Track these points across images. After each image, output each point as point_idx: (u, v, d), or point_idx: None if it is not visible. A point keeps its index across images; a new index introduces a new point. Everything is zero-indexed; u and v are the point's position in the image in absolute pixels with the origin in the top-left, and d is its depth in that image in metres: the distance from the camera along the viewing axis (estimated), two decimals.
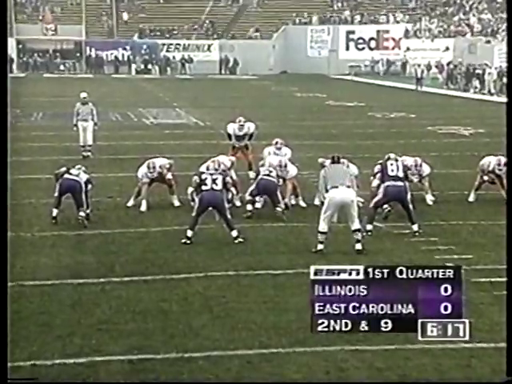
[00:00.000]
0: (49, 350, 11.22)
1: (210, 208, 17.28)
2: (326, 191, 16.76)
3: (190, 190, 18.52)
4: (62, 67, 77.64)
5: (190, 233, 16.86)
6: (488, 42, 67.04)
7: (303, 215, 19.19)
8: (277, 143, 22.63)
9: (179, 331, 12.01)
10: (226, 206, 17.37)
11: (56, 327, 12.14)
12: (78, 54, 79.39)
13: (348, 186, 16.72)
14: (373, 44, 79.31)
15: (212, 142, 27.24)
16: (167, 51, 79.82)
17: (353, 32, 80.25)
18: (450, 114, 42.57)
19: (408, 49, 75.72)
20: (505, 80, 56.65)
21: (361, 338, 11.63)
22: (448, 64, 66.12)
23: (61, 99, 34.68)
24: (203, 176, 17.41)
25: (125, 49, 79.72)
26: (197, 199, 17.34)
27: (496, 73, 57.96)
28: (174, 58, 79.32)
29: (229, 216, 17.06)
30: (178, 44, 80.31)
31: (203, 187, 17.17)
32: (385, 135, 33.61)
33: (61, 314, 12.74)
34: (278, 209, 19.27)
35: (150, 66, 78.09)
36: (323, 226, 16.45)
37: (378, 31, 79.43)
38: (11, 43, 76.61)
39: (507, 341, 8.72)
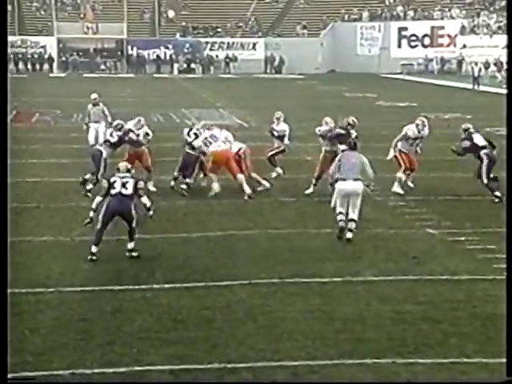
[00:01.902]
0: (88, 358, 11.28)
1: (117, 217, 16.36)
2: (336, 180, 18.16)
3: (99, 199, 16.69)
4: (102, 67, 78.19)
5: (94, 249, 16.05)
6: None
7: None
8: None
9: (222, 340, 12.02)
10: (134, 214, 16.34)
11: (96, 335, 12.20)
12: (119, 53, 79.96)
13: (356, 179, 18.08)
14: (427, 41, 79.13)
15: (256, 144, 27.19)
16: (210, 50, 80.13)
17: (405, 28, 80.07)
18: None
19: (464, 46, 75.37)
20: None
21: (412, 350, 11.66)
22: (507, 62, 65.82)
23: (102, 99, 34.72)
24: (112, 179, 16.44)
25: (167, 47, 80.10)
26: (103, 206, 16.29)
27: None
28: (217, 56, 79.62)
29: (134, 225, 16.21)
30: (222, 42, 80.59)
31: (112, 191, 16.21)
32: (438, 137, 33.49)
33: (101, 322, 12.81)
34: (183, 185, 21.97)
35: (192, 65, 78.42)
36: (339, 210, 17.97)
37: (433, 27, 79.14)
38: (52, 42, 77.40)
39: (507, 341, 8.77)
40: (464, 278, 15.13)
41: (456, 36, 77.08)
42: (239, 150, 23.37)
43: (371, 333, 12.39)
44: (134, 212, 16.24)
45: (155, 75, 74.84)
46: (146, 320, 12.89)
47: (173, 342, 11.97)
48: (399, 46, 79.84)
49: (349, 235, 17.88)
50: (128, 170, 16.80)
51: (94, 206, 16.37)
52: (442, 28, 78.57)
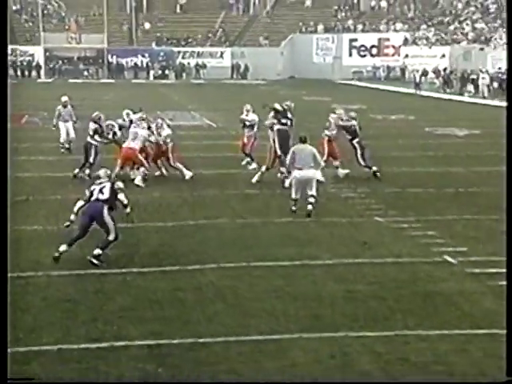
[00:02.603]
0: (73, 335, 11.24)
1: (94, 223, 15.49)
2: (293, 168, 19.11)
3: (81, 203, 15.82)
4: (85, 73, 77.81)
5: (63, 247, 15.11)
6: (482, 49, 66.95)
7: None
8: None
9: (194, 318, 12.01)
10: (108, 219, 15.47)
11: (80, 314, 12.17)
12: (101, 61, 79.58)
13: (311, 166, 18.98)
14: (374, 51, 79.34)
15: (224, 142, 27.22)
16: (183, 58, 79.94)
17: (355, 40, 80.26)
18: (446, 117, 42.57)
19: (407, 56, 75.70)
20: (495, 85, 56.76)
21: (362, 324, 11.70)
22: (444, 70, 66.20)
23: (85, 102, 34.68)
24: (92, 187, 15.77)
25: (143, 56, 79.88)
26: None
27: (489, 78, 57.96)
28: (188, 64, 79.45)
29: (110, 238, 15.26)
30: (193, 51, 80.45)
31: (91, 198, 15.53)
32: (385, 136, 33.62)
33: (85, 302, 12.77)
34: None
35: (166, 72, 78.21)
36: (294, 197, 18.90)
37: (379, 39, 79.43)
38: (39, 51, 77.10)
39: (507, 341, 8.28)
40: (407, 261, 15.20)
41: (400, 47, 77.38)
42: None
43: (327, 310, 12.42)
44: (107, 218, 15.43)
45: (133, 81, 74.56)
46: (126, 300, 12.85)
47: (149, 319, 11.95)
48: (350, 55, 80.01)
49: (309, 207, 18.69)
50: (108, 176, 16.31)
51: (75, 209, 15.75)
52: (388, 40, 78.86)
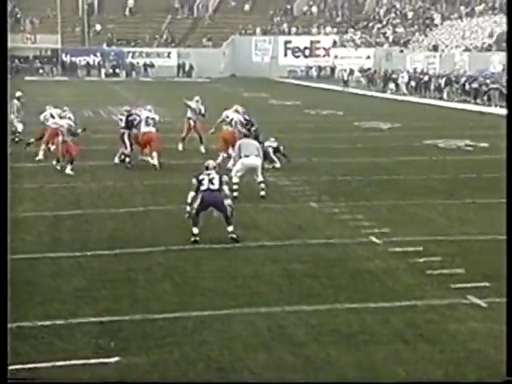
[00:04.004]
0: (32, 313, 11.13)
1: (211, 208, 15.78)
2: (240, 157, 19.71)
3: (192, 194, 16.06)
4: (40, 71, 76.96)
5: (195, 230, 15.53)
6: (401, 51, 67.67)
7: (249, 197, 19.21)
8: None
9: (144, 296, 11.96)
10: (226, 203, 15.78)
11: (38, 294, 12.05)
12: (55, 60, 78.81)
13: (256, 155, 19.70)
14: (307, 52, 79.62)
15: (170, 136, 27.13)
16: (132, 58, 79.48)
17: (290, 42, 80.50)
18: (371, 111, 42.86)
19: (336, 56, 76.13)
20: (413, 83, 57.28)
21: (298, 299, 11.75)
22: (369, 69, 66.67)
23: (43, 99, 34.29)
24: (200, 177, 15.74)
25: (95, 55, 79.28)
26: (198, 199, 15.58)
27: (407, 77, 58.57)
28: (137, 63, 79.01)
29: (228, 213, 15.59)
30: (142, 51, 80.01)
31: (201, 187, 15.58)
32: (318, 129, 33.76)
33: (43, 283, 12.63)
34: None
35: (117, 71, 77.74)
36: (236, 180, 19.34)
37: (311, 41, 79.73)
38: None
39: (507, 341, 7.94)
40: (338, 242, 15.30)
41: (329, 49, 77.77)
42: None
43: (265, 287, 12.46)
44: (226, 203, 15.63)
45: (86, 78, 74.02)
46: (80, 281, 12.73)
47: (103, 298, 11.86)
48: (285, 55, 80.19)
49: (262, 193, 19.49)
50: (214, 167, 16.17)
51: (189, 200, 15.71)
52: (319, 42, 79.18)
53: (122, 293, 12.23)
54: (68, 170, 22.34)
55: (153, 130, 24.21)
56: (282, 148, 24.01)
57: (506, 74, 35.34)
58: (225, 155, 23.12)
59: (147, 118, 24.29)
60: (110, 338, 10.37)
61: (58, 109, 25.93)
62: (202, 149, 26.42)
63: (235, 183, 19.28)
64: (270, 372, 9.44)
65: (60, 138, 22.91)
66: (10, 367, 9.50)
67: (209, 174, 15.56)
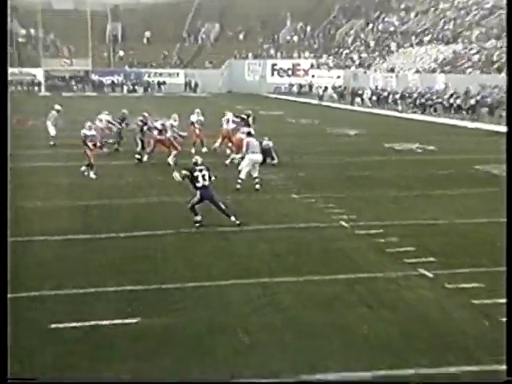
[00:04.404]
0: (66, 283, 11.22)
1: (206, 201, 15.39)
2: (247, 154, 19.64)
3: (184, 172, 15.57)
4: (75, 88, 76.41)
5: (197, 218, 15.23)
6: (365, 72, 67.46)
7: (242, 190, 19.20)
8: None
9: (159, 270, 12.07)
10: (216, 197, 15.47)
11: (71, 268, 12.14)
12: (86, 79, 78.46)
13: (258, 152, 19.88)
14: (289, 73, 79.37)
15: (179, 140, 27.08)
16: (148, 77, 79.06)
17: (276, 64, 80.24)
18: (341, 121, 42.83)
19: (313, 76, 75.89)
20: (374, 98, 57.41)
21: (281, 272, 11.76)
22: (339, 87, 66.60)
23: (78, 109, 34.11)
24: (195, 173, 15.16)
25: (119, 75, 78.90)
26: (196, 195, 15.07)
27: (370, 93, 58.85)
28: (152, 81, 78.54)
29: (223, 206, 15.33)
30: (156, 72, 79.64)
31: (197, 184, 15.13)
32: (297, 135, 33.73)
33: (74, 260, 12.70)
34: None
35: (136, 87, 77.22)
36: (243, 176, 19.35)
37: (293, 64, 79.51)
38: (40, 72, 75.96)
39: (507, 341, 7.35)
40: (315, 226, 15.31)
41: (308, 70, 77.58)
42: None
43: (256, 263, 12.49)
44: (216, 197, 15.36)
45: (111, 94, 73.52)
46: (107, 258, 12.87)
47: (125, 272, 11.99)
48: (272, 75, 79.88)
49: (257, 187, 19.38)
50: (202, 163, 15.50)
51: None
52: (299, 65, 78.91)
53: (142, 267, 12.24)
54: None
55: (168, 135, 24.18)
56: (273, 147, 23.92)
57: (506, 84, 35.06)
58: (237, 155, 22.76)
59: (162, 125, 24.31)
60: (131, 304, 10.45)
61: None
62: (204, 149, 26.35)
63: (241, 179, 19.35)
64: (262, 331, 9.48)
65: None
66: (53, 325, 9.56)
67: (201, 170, 15.20)
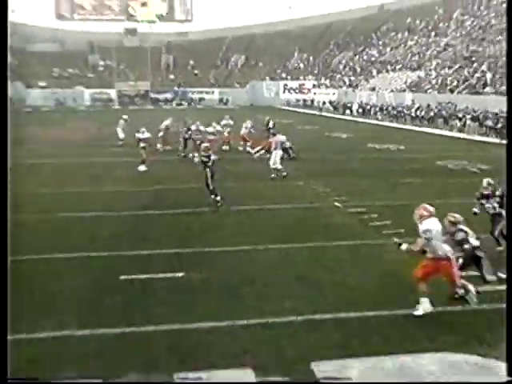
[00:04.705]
0: (124, 247, 11.20)
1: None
2: (275, 150, 19.25)
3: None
4: (138, 103, 76.48)
5: (216, 197, 14.82)
6: (353, 91, 67.16)
7: (259, 178, 19.13)
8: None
9: (194, 238, 12.01)
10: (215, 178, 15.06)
11: (129, 235, 12.09)
12: (146, 96, 78.62)
13: (281, 149, 19.53)
14: (297, 91, 79.06)
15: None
16: (191, 94, 79.12)
17: (286, 84, 79.88)
18: (336, 126, 42.57)
19: (314, 93, 75.48)
20: (360, 110, 57.09)
21: (291, 240, 11.73)
22: (334, 101, 66.28)
23: (140, 118, 34.09)
24: (210, 161, 14.90)
25: (170, 93, 79.01)
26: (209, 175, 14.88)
27: (357, 106, 58.53)
28: (195, 97, 78.67)
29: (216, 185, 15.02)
30: (198, 90, 79.67)
31: (207, 167, 14.93)
32: (303, 138, 33.59)
33: (130, 232, 12.65)
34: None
35: (183, 102, 77.23)
36: (280, 167, 19.15)
37: (300, 84, 79.13)
38: (114, 92, 76.38)
39: (507, 341, 6.02)
40: (315, 206, 15.30)
41: (310, 89, 77.24)
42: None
43: (269, 233, 12.46)
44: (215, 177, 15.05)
45: (164, 107, 73.66)
46: (155, 230, 12.69)
47: (171, 239, 11.90)
48: (284, 92, 79.49)
49: (285, 173, 19.24)
50: (213, 154, 15.41)
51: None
52: (304, 85, 78.50)
53: (183, 235, 12.28)
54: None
55: (212, 137, 24.27)
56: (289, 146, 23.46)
57: (506, 86, 32.14)
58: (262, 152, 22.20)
59: (197, 129, 24.82)
60: (178, 262, 10.49)
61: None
62: (227, 147, 26.68)
63: (279, 169, 19.18)
64: (278, 283, 9.49)
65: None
66: (122, 277, 9.65)
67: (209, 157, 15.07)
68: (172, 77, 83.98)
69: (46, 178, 19.92)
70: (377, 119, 50.98)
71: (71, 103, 72.76)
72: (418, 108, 47.30)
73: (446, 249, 7.99)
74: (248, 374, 6.48)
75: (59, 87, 74.69)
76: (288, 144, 23.30)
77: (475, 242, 8.56)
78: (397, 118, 48.80)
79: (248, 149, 25.51)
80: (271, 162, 19.29)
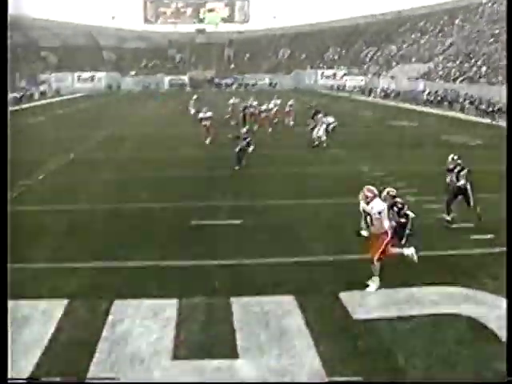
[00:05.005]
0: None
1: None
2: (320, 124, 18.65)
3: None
4: (205, 87, 75.13)
5: (237, 166, 14.11)
6: (377, 78, 65.18)
7: (303, 147, 18.82)
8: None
9: (244, 193, 11.94)
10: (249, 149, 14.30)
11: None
12: (212, 82, 78.11)
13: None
14: (332, 77, 77.11)
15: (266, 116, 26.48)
16: (246, 80, 77.99)
17: (323, 72, 77.96)
18: (362, 107, 41.46)
19: (346, 80, 73.31)
20: (382, 94, 55.49)
21: (324, 196, 11.54)
22: (362, 86, 64.50)
23: (207, 99, 33.92)
24: (245, 141, 14.18)
25: (230, 79, 78.34)
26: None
27: (380, 91, 56.59)
28: (250, 83, 77.58)
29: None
30: (252, 77, 78.44)
31: (239, 146, 14.22)
32: (337, 116, 32.80)
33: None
34: None
35: (240, 86, 76.32)
36: (324, 138, 18.51)
37: (334, 73, 77.07)
38: (186, 77, 76.34)
39: (507, 341, 5.26)
40: (346, 169, 14.77)
41: (343, 76, 75.00)
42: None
43: (308, 190, 12.25)
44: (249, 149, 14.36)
45: (226, 90, 73.10)
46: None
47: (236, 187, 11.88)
48: (321, 79, 77.76)
49: (324, 144, 18.59)
50: (247, 132, 14.59)
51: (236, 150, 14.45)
52: (337, 73, 76.41)
53: (240, 190, 12.20)
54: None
55: (265, 114, 23.62)
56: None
57: (506, 82, 30.10)
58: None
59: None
60: (235, 211, 10.50)
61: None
62: (275, 121, 25.48)
63: (322, 140, 18.49)
64: (313, 230, 9.46)
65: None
66: (193, 222, 9.78)
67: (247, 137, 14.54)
68: (232, 66, 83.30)
69: (140, 143, 20.19)
70: (395, 102, 49.48)
71: (154, 87, 73.86)
72: (429, 93, 46.13)
73: (388, 224, 7.07)
74: (289, 300, 6.55)
75: (145, 75, 75.97)
76: (332, 125, 21.13)
77: (411, 214, 7.79)
78: (411, 101, 47.48)
79: (291, 123, 25.10)
80: (314, 133, 18.96)
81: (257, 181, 13.51)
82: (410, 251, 7.25)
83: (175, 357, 5.30)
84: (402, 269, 7.59)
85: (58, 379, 4.34)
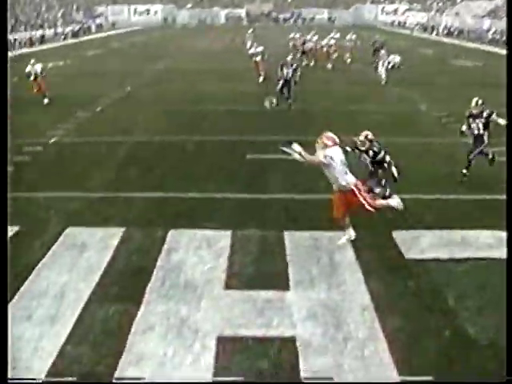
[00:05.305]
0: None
1: None
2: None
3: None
4: (262, 21, 72.44)
5: (290, 100, 13.63)
6: (440, 15, 60.13)
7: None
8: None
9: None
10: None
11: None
12: (269, 16, 75.21)
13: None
14: (393, 13, 72.59)
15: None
16: (303, 15, 74.54)
17: (384, 7, 73.38)
18: (424, 45, 38.59)
19: (407, 16, 68.49)
20: (445, 32, 51.79)
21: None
22: (424, 23, 60.09)
23: (262, 33, 32.59)
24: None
25: (288, 13, 75.22)
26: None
27: (443, 28, 52.64)
28: (308, 17, 74.21)
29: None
30: (309, 11, 74.82)
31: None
32: (399, 52, 30.95)
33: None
34: None
35: (298, 20, 73.05)
36: (384, 74, 17.92)
37: (395, 8, 72.40)
38: (243, 11, 74.05)
39: (507, 341, 4.81)
40: (404, 108, 14.14)
41: (404, 12, 70.25)
42: None
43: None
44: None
45: (283, 25, 70.20)
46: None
47: None
48: (382, 14, 73.22)
49: (383, 82, 18.00)
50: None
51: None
52: (398, 8, 71.62)
53: (291, 125, 11.79)
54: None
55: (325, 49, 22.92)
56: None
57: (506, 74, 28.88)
58: None
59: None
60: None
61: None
62: (335, 55, 24.57)
63: (382, 77, 18.00)
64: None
65: None
66: (248, 156, 9.62)
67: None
68: (289, 0, 79.60)
69: (194, 76, 19.99)
70: (458, 40, 45.98)
71: (210, 21, 72.13)
72: (494, 32, 42.28)
73: (348, 179, 5.96)
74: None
75: (202, 8, 74.09)
76: (393, 63, 19.49)
77: (387, 158, 6.99)
78: (475, 39, 43.83)
79: (348, 60, 23.81)
80: (379, 69, 18.12)
81: (310, 116, 13.11)
82: (394, 202, 6.25)
83: (227, 286, 5.28)
84: (454, 211, 7.24)
85: (58, 379, 4.00)
